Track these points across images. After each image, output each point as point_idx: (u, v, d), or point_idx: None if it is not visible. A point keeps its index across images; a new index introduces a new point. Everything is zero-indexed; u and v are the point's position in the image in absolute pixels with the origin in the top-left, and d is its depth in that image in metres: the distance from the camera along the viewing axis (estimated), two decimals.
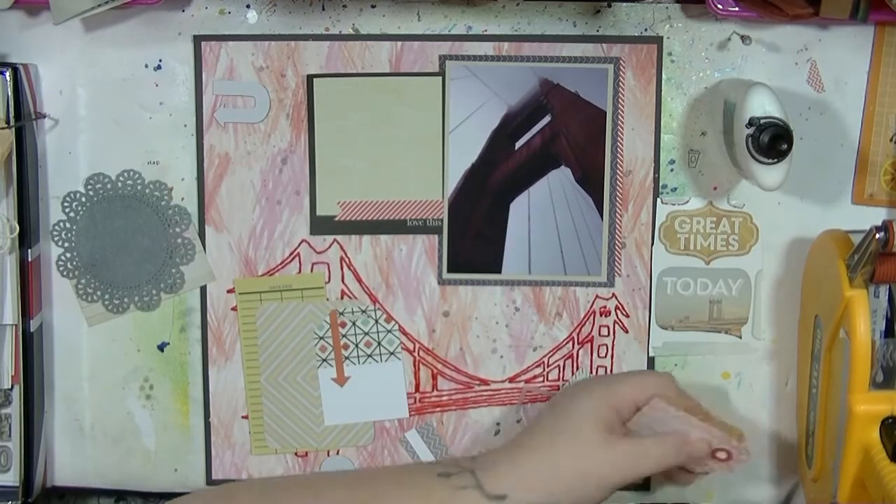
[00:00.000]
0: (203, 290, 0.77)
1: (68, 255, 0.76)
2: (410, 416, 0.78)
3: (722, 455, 0.66)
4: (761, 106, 0.66)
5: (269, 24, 0.74)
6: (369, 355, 0.77)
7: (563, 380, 0.77)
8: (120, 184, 0.75)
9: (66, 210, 0.75)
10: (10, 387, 0.74)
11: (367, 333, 0.77)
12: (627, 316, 0.77)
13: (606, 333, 0.77)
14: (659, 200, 0.75)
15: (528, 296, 0.77)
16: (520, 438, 0.67)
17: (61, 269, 0.76)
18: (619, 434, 0.66)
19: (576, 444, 0.65)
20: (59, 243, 0.76)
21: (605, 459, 0.64)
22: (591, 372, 0.77)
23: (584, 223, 0.76)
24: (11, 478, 0.74)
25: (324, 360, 0.77)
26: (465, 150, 0.75)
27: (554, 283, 0.76)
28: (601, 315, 0.77)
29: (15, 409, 0.74)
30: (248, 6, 0.74)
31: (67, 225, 0.76)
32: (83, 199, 0.75)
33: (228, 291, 0.77)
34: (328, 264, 0.76)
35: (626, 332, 0.77)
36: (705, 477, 0.70)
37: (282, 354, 0.77)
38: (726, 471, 0.67)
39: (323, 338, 0.77)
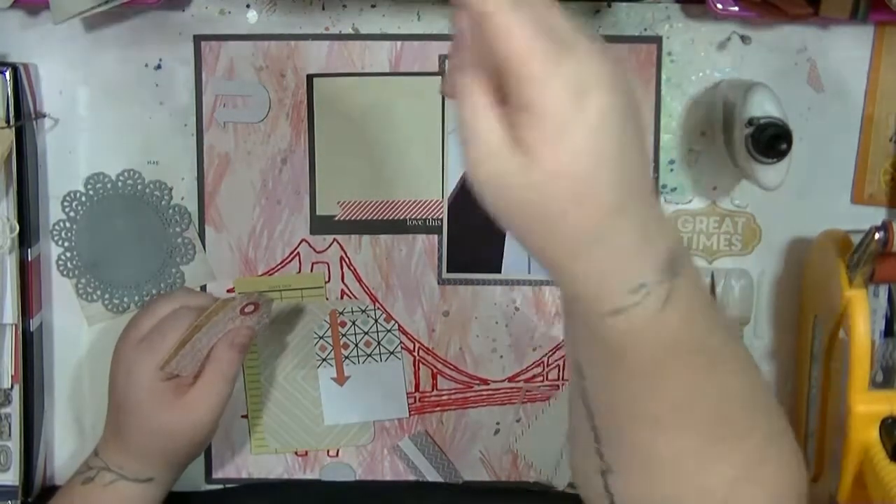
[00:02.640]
0: (203, 289, 0.77)
1: (68, 254, 0.76)
2: (410, 415, 0.78)
3: (249, 308, 0.69)
4: (761, 106, 0.66)
5: (269, 24, 0.74)
6: (369, 355, 0.77)
7: (562, 379, 0.77)
8: (120, 183, 0.75)
9: (66, 210, 0.75)
10: (10, 386, 0.74)
11: (366, 333, 0.77)
12: None
13: None
14: (662, 200, 0.75)
15: (528, 296, 0.77)
16: (110, 420, 0.69)
17: (61, 268, 0.76)
18: (181, 390, 0.67)
19: (144, 422, 0.67)
20: (59, 243, 0.76)
21: (188, 420, 0.67)
22: None
23: None
24: (11, 477, 0.74)
25: (323, 359, 0.77)
26: None
27: (554, 283, 0.76)
28: None
29: (15, 409, 0.74)
30: (248, 6, 0.74)
31: (67, 224, 0.76)
32: (83, 199, 0.75)
33: (228, 291, 0.77)
34: (328, 264, 0.76)
35: None
36: None
37: (281, 354, 0.77)
38: (266, 321, 0.71)
39: (323, 337, 0.77)
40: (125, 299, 0.76)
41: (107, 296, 0.76)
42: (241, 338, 0.68)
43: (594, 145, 0.40)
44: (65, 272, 0.76)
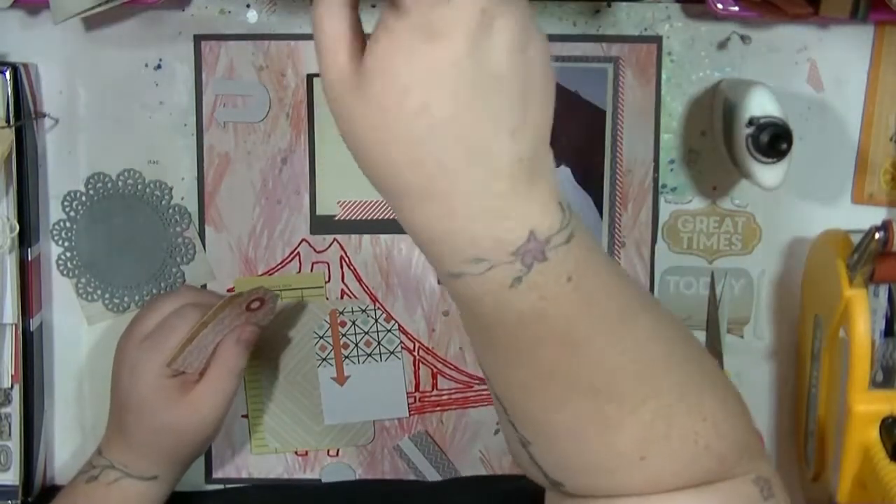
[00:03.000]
0: (203, 289, 0.77)
1: (68, 254, 0.76)
2: (410, 415, 0.78)
3: (255, 305, 0.69)
4: (761, 106, 0.66)
5: (269, 24, 0.74)
6: (369, 355, 0.77)
7: None
8: (120, 183, 0.75)
9: (66, 209, 0.75)
10: (10, 386, 0.73)
11: (366, 333, 0.77)
12: None
13: None
14: (662, 199, 0.75)
15: None
16: (114, 418, 0.69)
17: (61, 268, 0.76)
18: (187, 387, 0.67)
19: (149, 420, 0.67)
20: (60, 242, 0.76)
21: (194, 417, 0.67)
22: None
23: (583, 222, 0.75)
24: (11, 477, 0.74)
25: (324, 359, 0.77)
26: None
27: None
28: None
29: (15, 409, 0.74)
30: (248, 6, 0.74)
31: (67, 224, 0.76)
32: (83, 199, 0.75)
33: (228, 290, 0.77)
34: (328, 264, 0.76)
35: None
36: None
37: (282, 354, 0.77)
38: (270, 316, 0.71)
39: (323, 337, 0.77)
40: (125, 299, 0.76)
41: (107, 295, 0.76)
42: (247, 334, 0.68)
43: (460, 83, 0.38)
44: (65, 272, 0.76)
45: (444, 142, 0.39)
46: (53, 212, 0.76)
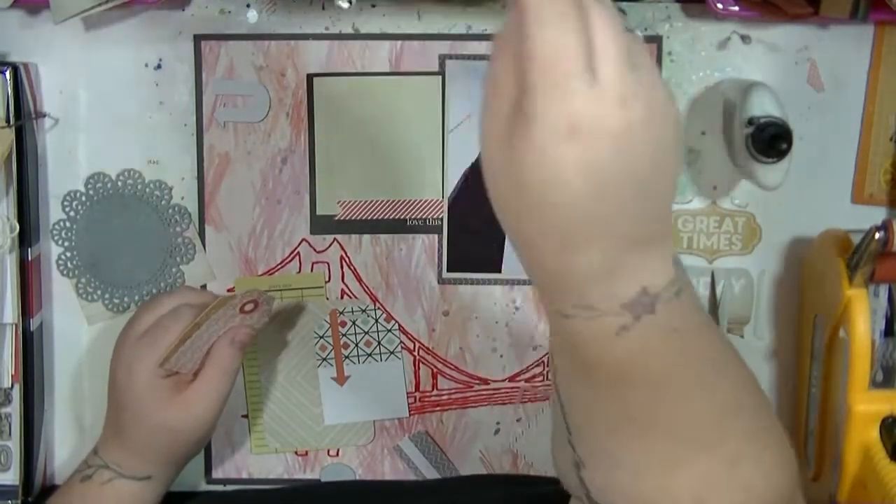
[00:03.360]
0: (203, 289, 0.77)
1: (68, 254, 0.76)
2: (410, 415, 0.78)
3: (249, 307, 0.69)
4: (761, 106, 0.66)
5: (269, 24, 0.74)
6: (369, 354, 0.77)
7: None
8: (120, 183, 0.75)
9: (66, 209, 0.75)
10: (10, 386, 0.73)
11: (367, 333, 0.77)
12: None
13: None
14: None
15: (528, 295, 0.77)
16: (110, 417, 0.69)
17: (61, 268, 0.76)
18: (181, 387, 0.67)
19: (143, 419, 0.67)
20: (59, 242, 0.76)
21: (188, 416, 0.67)
22: None
23: None
24: (11, 477, 0.74)
25: (324, 359, 0.77)
26: (465, 150, 0.75)
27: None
28: None
29: (15, 409, 0.74)
30: (248, 5, 0.74)
31: (67, 224, 0.76)
32: (83, 199, 0.75)
33: (228, 290, 0.77)
34: (328, 264, 0.76)
35: None
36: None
37: (281, 353, 0.77)
38: (266, 319, 0.70)
39: (323, 337, 0.77)
40: (125, 299, 0.76)
41: (107, 295, 0.76)
42: (241, 336, 0.68)
43: (606, 156, 0.39)
44: (65, 272, 0.76)
45: (572, 222, 0.40)
46: (53, 212, 0.76)
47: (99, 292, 0.76)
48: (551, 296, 0.43)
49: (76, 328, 0.77)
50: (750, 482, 0.46)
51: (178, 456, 0.69)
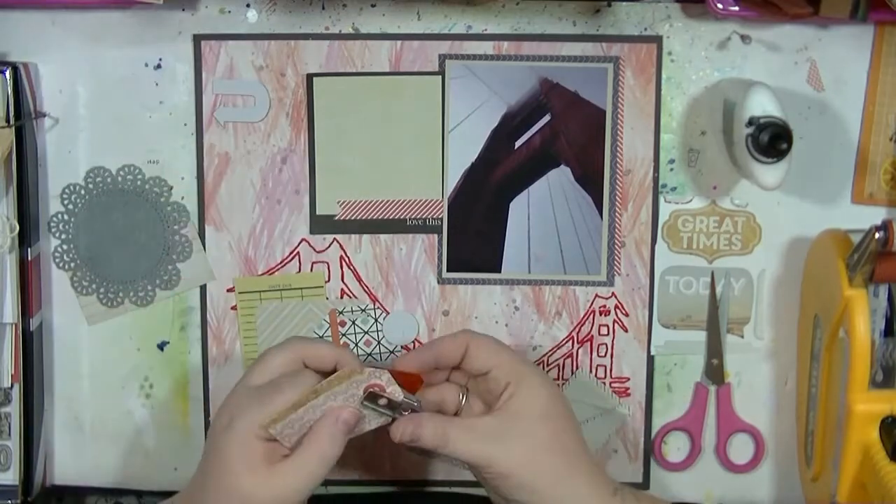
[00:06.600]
0: (203, 289, 0.77)
1: (65, 246, 0.76)
2: None
3: (376, 389, 0.62)
4: (761, 105, 0.66)
5: (269, 24, 0.74)
6: (369, 354, 0.77)
7: (562, 379, 0.77)
8: (120, 178, 0.75)
9: (65, 202, 0.75)
10: (9, 386, 0.73)
11: (366, 332, 0.77)
12: (627, 315, 0.77)
13: (606, 332, 0.77)
14: (662, 199, 0.75)
15: (528, 295, 0.77)
16: (198, 470, 0.62)
17: (57, 260, 0.76)
18: (274, 458, 0.60)
19: (226, 479, 0.59)
20: (57, 235, 0.76)
21: (269, 494, 0.58)
22: (591, 371, 0.77)
23: (583, 222, 0.76)
24: (11, 477, 0.74)
25: None
26: (465, 150, 0.75)
27: (553, 283, 0.76)
28: (601, 314, 0.77)
29: (15, 408, 0.74)
30: (248, 5, 0.74)
31: (66, 217, 0.75)
32: (82, 192, 0.75)
33: (228, 290, 0.77)
34: (328, 263, 0.76)
35: (626, 331, 0.77)
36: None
37: None
38: (387, 415, 0.62)
39: (323, 337, 0.77)
40: (120, 294, 0.76)
41: (101, 289, 0.76)
42: (346, 413, 0.61)
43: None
44: (61, 264, 0.76)
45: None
46: (53, 211, 0.76)
47: (94, 286, 0.76)
48: None
49: (76, 328, 0.77)
50: None
51: None
